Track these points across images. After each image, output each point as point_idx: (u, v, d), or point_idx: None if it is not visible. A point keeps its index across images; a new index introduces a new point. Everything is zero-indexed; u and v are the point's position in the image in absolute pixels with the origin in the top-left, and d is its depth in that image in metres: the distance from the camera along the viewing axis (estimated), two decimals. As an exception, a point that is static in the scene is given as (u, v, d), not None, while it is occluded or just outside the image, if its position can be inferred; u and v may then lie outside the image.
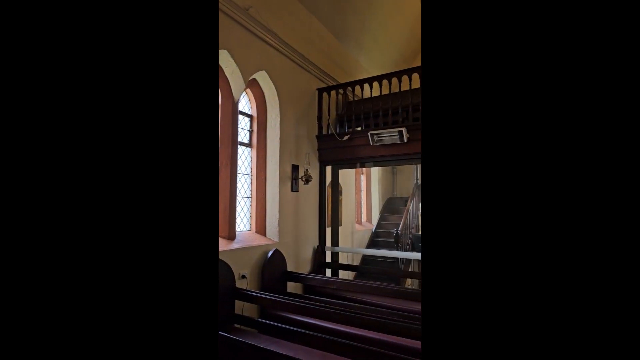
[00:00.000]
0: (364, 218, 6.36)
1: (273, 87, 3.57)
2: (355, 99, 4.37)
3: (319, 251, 4.02)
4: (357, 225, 5.81)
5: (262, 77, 3.53)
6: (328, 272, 4.15)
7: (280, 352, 1.75)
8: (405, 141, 3.52)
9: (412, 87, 3.69)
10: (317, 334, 2.27)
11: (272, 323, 2.52)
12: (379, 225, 6.52)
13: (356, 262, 5.39)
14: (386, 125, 3.71)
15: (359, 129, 3.96)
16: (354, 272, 4.74)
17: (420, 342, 2.10)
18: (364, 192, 6.44)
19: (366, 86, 4.07)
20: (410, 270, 5.35)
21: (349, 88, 4.17)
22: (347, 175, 5.30)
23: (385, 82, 3.86)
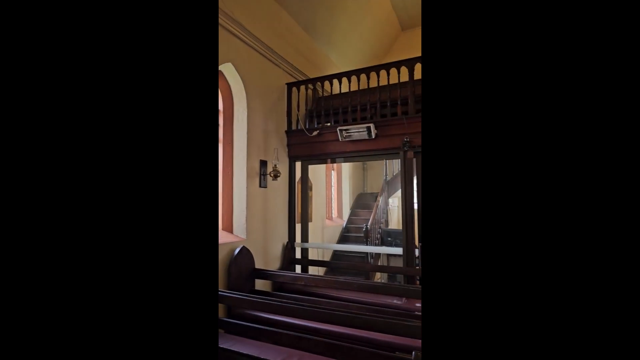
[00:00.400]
0: (334, 214, 6.39)
1: (240, 80, 3.47)
2: (325, 94, 4.36)
3: (289, 247, 3.99)
4: (327, 221, 5.83)
5: (228, 70, 3.42)
6: (298, 268, 4.14)
7: (242, 351, 1.71)
8: (374, 137, 3.56)
9: (380, 84, 3.73)
10: (284, 331, 2.25)
11: (238, 322, 2.46)
12: (349, 220, 6.58)
13: (327, 258, 5.42)
14: (355, 122, 3.73)
15: (329, 124, 3.96)
16: (325, 268, 4.75)
17: (386, 335, 2.13)
18: (335, 187, 6.47)
19: (335, 82, 4.06)
20: (379, 264, 5.46)
21: (319, 83, 4.15)
22: (317, 171, 5.29)
23: (354, 78, 3.87)
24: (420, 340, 2.02)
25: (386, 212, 6.35)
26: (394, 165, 6.71)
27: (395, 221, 6.95)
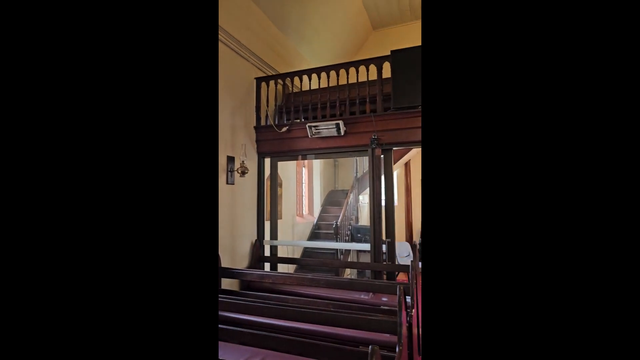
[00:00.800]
0: (305, 211, 6.38)
1: (206, 73, 3.35)
2: (295, 90, 4.32)
3: (257, 245, 3.93)
4: (298, 218, 5.81)
5: (193, 62, 3.29)
6: (267, 266, 4.09)
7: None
8: (343, 134, 3.57)
9: (350, 81, 3.75)
10: (248, 331, 2.21)
11: (201, 322, 2.39)
12: (320, 217, 6.60)
13: (297, 255, 5.40)
14: (324, 118, 3.72)
15: (298, 120, 3.93)
16: (295, 265, 4.73)
17: (351, 330, 2.15)
18: (306, 184, 6.46)
19: (305, 78, 4.04)
20: (349, 260, 5.52)
21: (289, 79, 4.10)
22: (287, 168, 5.25)
23: (324, 75, 3.87)
24: (384, 334, 2.05)
25: (356, 208, 6.43)
26: (365, 163, 6.81)
27: (365, 218, 7.05)
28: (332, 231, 5.47)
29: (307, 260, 4.19)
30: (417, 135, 3.38)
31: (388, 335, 2.03)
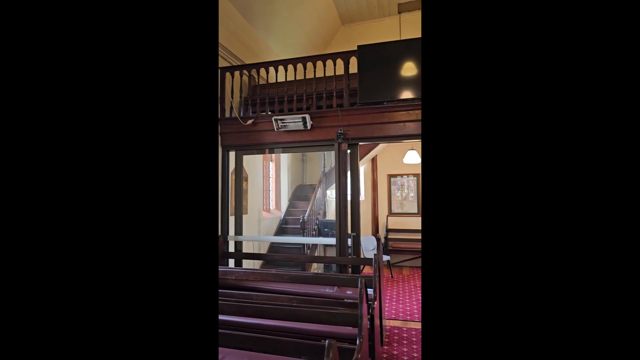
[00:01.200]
0: (272, 205, 6.30)
1: (165, 60, 3.17)
2: (262, 82, 4.21)
3: (221, 241, 3.82)
4: (264, 213, 5.73)
5: (150, 47, 3.09)
6: (231, 262, 3.98)
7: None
8: (309, 128, 3.54)
9: (317, 75, 3.72)
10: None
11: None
12: (288, 212, 6.55)
13: (264, 251, 5.32)
14: (291, 112, 3.67)
15: (264, 113, 3.84)
16: (261, 261, 4.66)
17: (314, 324, 2.15)
18: (273, 179, 6.37)
19: (272, 70, 3.95)
20: (316, 255, 5.54)
21: (255, 70, 3.99)
22: (254, 162, 5.14)
23: (291, 67, 3.80)
24: (346, 327, 2.07)
25: (324, 203, 6.45)
26: (332, 158, 6.82)
27: (332, 212, 7.10)
28: (299, 226, 5.45)
29: (273, 256, 4.14)
30: (383, 130, 3.43)
31: (351, 327, 2.05)
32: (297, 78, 3.83)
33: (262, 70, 4.06)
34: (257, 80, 4.26)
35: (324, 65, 3.63)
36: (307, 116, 3.49)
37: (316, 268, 5.78)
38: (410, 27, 5.68)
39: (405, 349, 2.89)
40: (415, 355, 2.78)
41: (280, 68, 3.84)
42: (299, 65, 3.77)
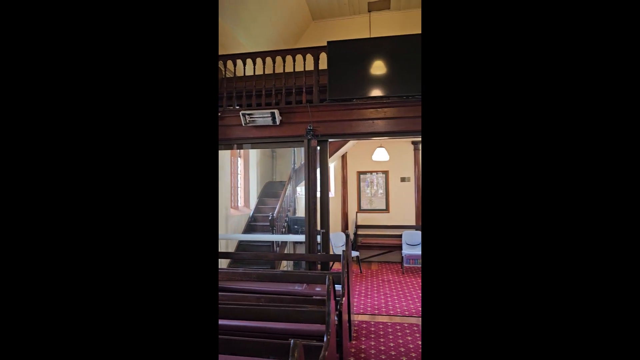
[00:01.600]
0: (241, 203, 6.16)
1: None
2: (229, 75, 4.08)
3: (185, 240, 3.66)
4: (232, 210, 5.58)
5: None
6: (197, 261, 3.84)
7: None
8: (278, 124, 3.48)
9: (287, 70, 3.65)
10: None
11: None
12: (257, 209, 6.43)
13: (231, 249, 5.19)
14: (259, 106, 3.58)
15: (231, 107, 3.72)
16: (228, 260, 4.54)
17: (282, 323, 2.11)
18: (242, 175, 6.22)
19: (240, 63, 3.83)
20: (285, 252, 5.49)
21: (222, 62, 3.85)
22: (221, 158, 4.98)
23: (260, 61, 3.70)
24: (314, 324, 2.06)
25: (294, 200, 6.40)
26: (302, 154, 6.78)
27: (302, 209, 7.07)
28: (269, 223, 5.37)
29: (241, 254, 4.05)
30: (353, 128, 3.45)
31: (320, 325, 2.04)
32: (266, 72, 3.74)
33: (230, 63, 3.92)
34: (224, 72, 4.12)
35: (294, 60, 3.58)
36: (276, 111, 3.43)
37: (285, 266, 5.74)
38: (380, 26, 5.76)
39: (373, 343, 2.94)
40: (383, 348, 2.84)
41: (249, 61, 3.73)
42: (268, 59, 3.68)
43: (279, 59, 3.65)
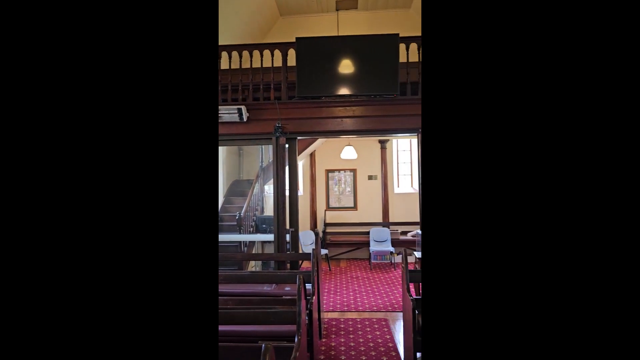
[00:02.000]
0: (206, 202, 5.94)
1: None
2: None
3: (146, 242, 3.46)
4: (198, 210, 5.37)
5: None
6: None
7: None
8: (245, 120, 3.39)
9: (254, 66, 3.56)
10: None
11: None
12: (223, 209, 6.24)
13: (196, 250, 4.99)
14: (225, 102, 3.46)
15: (196, 103, 3.56)
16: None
17: (250, 325, 2.06)
18: (207, 174, 6.00)
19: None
20: (254, 252, 5.38)
21: (184, 55, 3.66)
22: (185, 156, 4.75)
23: (225, 55, 3.57)
24: (285, 326, 2.02)
25: (262, 199, 6.29)
26: (271, 152, 6.68)
27: (271, 208, 6.97)
28: (236, 223, 5.23)
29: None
30: (322, 125, 3.44)
31: (290, 325, 2.00)
32: (233, 67, 3.62)
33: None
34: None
35: (261, 56, 3.50)
36: (243, 107, 3.33)
37: (254, 266, 5.63)
38: (348, 25, 5.80)
39: (342, 340, 2.95)
40: (352, 344, 2.86)
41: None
42: (234, 53, 3.57)
43: (245, 53, 3.55)
